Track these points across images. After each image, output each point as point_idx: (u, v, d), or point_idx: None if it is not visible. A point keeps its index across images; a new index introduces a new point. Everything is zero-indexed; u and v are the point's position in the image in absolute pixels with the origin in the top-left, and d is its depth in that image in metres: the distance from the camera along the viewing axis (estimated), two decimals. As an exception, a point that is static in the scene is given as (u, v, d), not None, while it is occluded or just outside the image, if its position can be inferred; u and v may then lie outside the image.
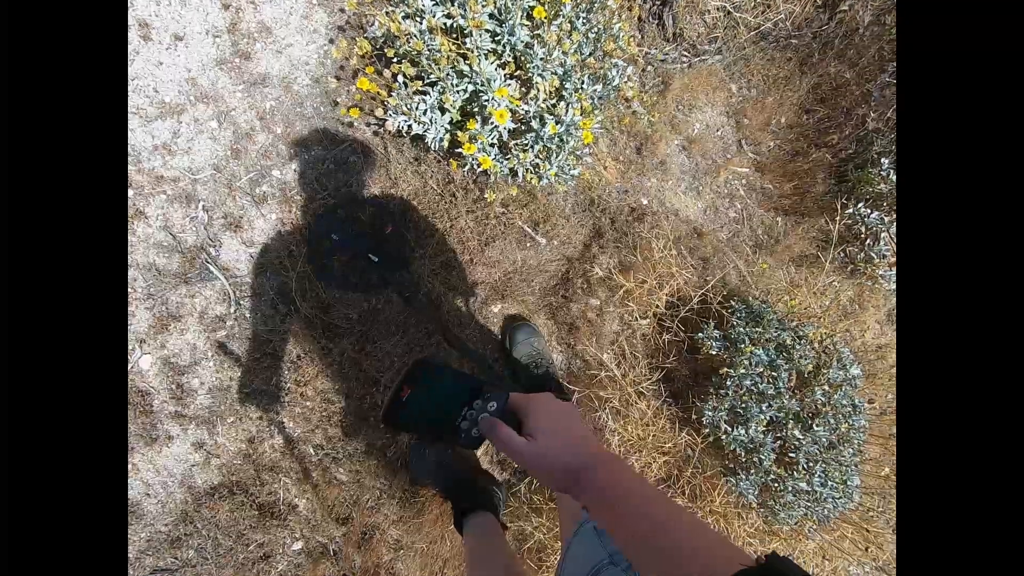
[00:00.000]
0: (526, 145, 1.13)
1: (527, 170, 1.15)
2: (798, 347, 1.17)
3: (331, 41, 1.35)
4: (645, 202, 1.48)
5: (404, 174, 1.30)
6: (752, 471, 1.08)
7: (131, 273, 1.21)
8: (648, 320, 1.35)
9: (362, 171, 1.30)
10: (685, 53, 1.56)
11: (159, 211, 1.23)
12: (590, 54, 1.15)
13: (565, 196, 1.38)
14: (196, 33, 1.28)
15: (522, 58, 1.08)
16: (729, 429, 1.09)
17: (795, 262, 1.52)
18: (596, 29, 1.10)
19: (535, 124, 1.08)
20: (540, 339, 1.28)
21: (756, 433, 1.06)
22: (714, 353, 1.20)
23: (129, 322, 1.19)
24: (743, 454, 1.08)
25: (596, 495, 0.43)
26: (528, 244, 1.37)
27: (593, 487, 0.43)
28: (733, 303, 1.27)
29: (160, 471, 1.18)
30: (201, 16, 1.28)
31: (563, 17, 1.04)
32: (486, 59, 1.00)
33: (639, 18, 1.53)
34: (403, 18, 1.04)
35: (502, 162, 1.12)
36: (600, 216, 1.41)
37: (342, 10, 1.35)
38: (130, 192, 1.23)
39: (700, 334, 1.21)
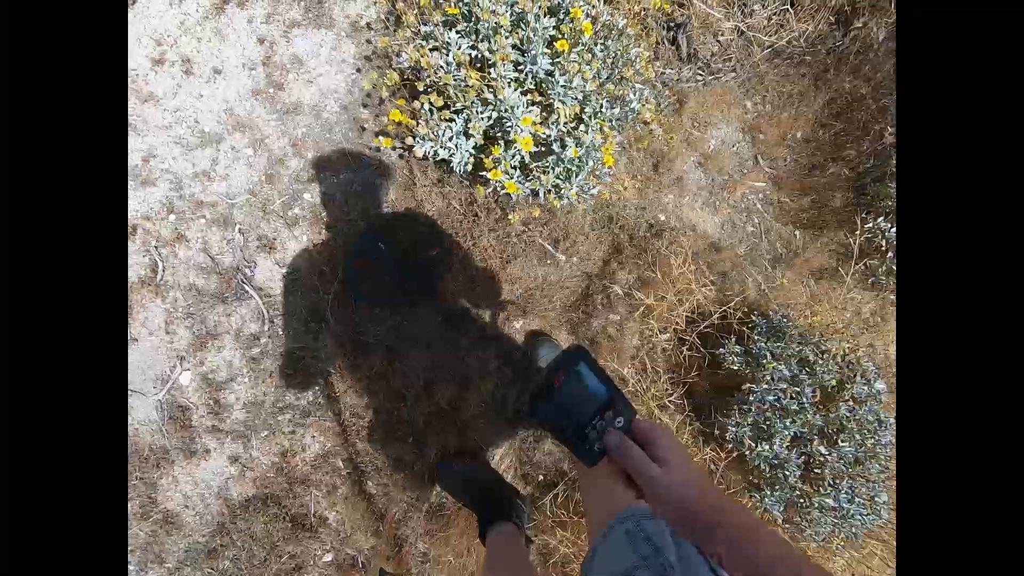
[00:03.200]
0: (547, 167, 1.17)
1: (548, 191, 1.18)
2: (821, 362, 1.17)
3: (358, 70, 1.41)
4: (663, 218, 1.51)
5: (429, 196, 1.35)
6: (777, 487, 1.08)
7: (172, 294, 1.28)
8: (668, 335, 1.37)
9: (389, 193, 1.36)
10: (699, 72, 1.60)
11: (199, 234, 1.30)
12: (607, 79, 1.19)
13: (584, 214, 1.41)
14: (233, 67, 1.36)
15: (543, 85, 1.12)
16: (753, 445, 1.09)
17: (815, 275, 1.52)
18: (614, 55, 1.14)
19: (556, 147, 1.12)
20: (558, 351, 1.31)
21: (780, 449, 1.07)
22: (736, 368, 1.21)
23: (171, 340, 1.26)
24: (767, 470, 1.09)
25: (731, 546, 0.42)
26: (549, 261, 1.40)
27: (727, 536, 0.42)
28: (753, 318, 1.28)
29: (198, 483, 1.23)
30: (238, 51, 1.36)
31: (582, 45, 1.08)
32: (510, 87, 1.04)
33: (656, 41, 1.57)
34: (430, 51, 1.09)
35: (523, 183, 1.16)
36: (619, 233, 1.44)
37: (368, 41, 1.42)
38: (172, 217, 1.30)
39: (721, 349, 1.22)
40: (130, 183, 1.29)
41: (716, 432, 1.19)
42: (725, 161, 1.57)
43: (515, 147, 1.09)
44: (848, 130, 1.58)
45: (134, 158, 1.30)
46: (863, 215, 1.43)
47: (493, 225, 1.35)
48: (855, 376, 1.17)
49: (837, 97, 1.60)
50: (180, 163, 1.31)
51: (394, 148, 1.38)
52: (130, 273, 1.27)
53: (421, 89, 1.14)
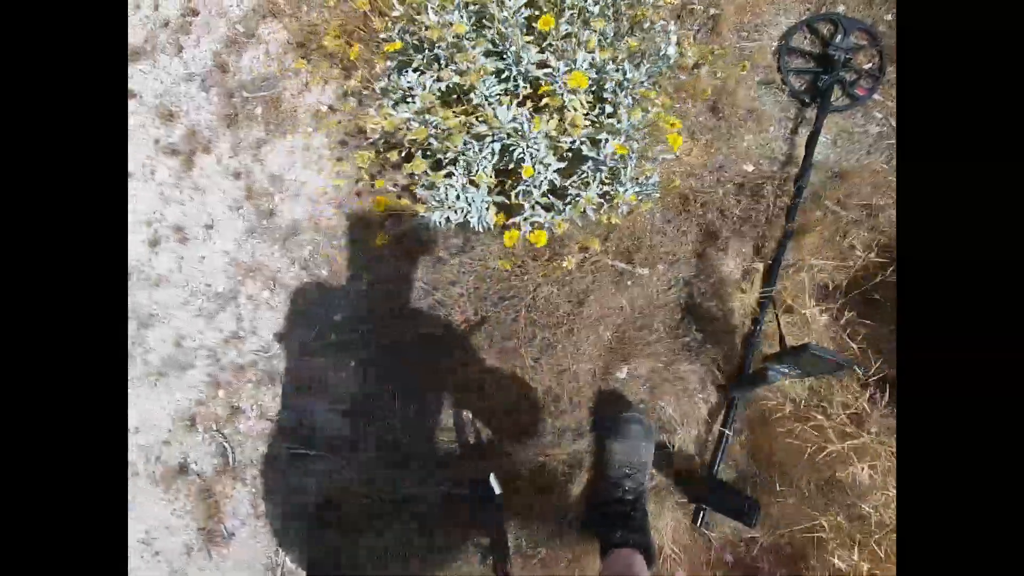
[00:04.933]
0: (585, 179, 0.88)
1: (597, 207, 0.89)
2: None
3: (339, 159, 1.24)
4: (750, 168, 1.13)
5: (461, 266, 1.12)
6: None
7: (250, 472, 1.17)
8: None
9: (419, 277, 1.15)
10: (723, -30, 1.21)
11: (250, 401, 1.19)
12: (619, 34, 0.88)
13: (650, 209, 1.09)
14: (221, 215, 1.26)
15: (541, 82, 0.84)
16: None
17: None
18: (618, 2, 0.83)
19: (586, 149, 0.83)
20: (649, 444, 0.94)
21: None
22: None
23: (264, 524, 1.14)
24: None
25: None
26: (629, 282, 1.10)
27: None
28: None
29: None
30: (220, 197, 1.26)
31: (570, 13, 0.79)
32: (501, 106, 0.78)
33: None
34: (393, 106, 0.87)
35: (562, 212, 0.88)
36: (703, 212, 1.10)
37: (338, 122, 1.25)
38: (221, 393, 1.20)
39: None
40: (170, 371, 1.22)
41: None
42: (805, 61, 1.16)
43: (539, 174, 0.82)
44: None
45: (166, 347, 1.23)
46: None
47: (546, 268, 1.08)
48: None
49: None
50: (208, 335, 1.22)
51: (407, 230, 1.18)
52: (204, 466, 1.19)
53: (402, 154, 0.92)
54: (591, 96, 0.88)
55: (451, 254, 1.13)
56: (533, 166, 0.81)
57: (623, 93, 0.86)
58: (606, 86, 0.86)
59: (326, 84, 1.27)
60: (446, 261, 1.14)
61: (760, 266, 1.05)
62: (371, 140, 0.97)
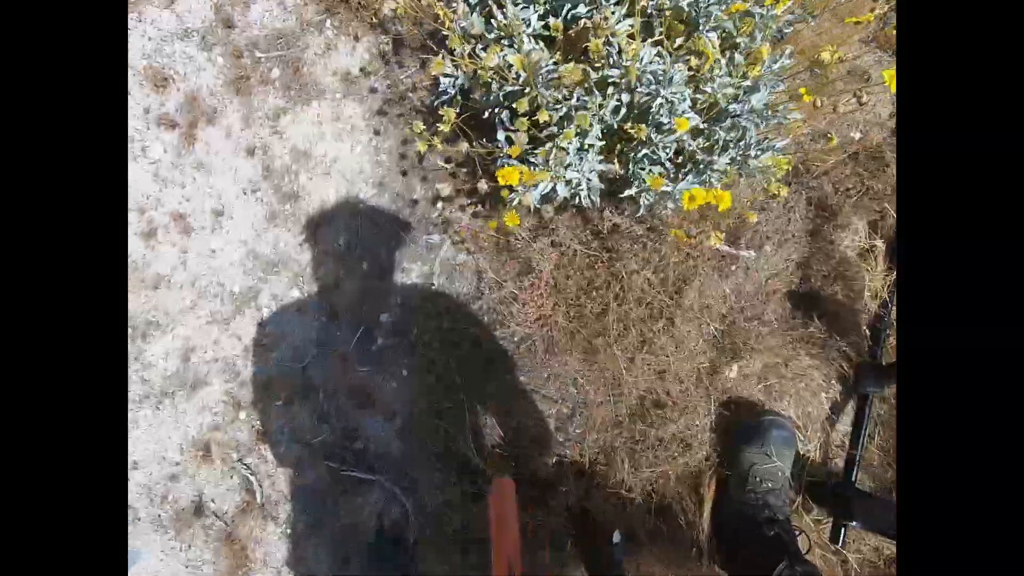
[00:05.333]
0: (716, 144, 0.72)
1: (733, 174, 0.74)
2: None
3: (376, 132, 1.05)
4: (857, 136, 1.01)
5: (538, 248, 0.95)
6: None
7: (283, 508, 0.97)
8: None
9: (484, 268, 0.97)
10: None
11: (281, 422, 0.99)
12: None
13: (757, 183, 0.95)
14: (234, 198, 1.04)
15: (672, 20, 0.68)
16: None
17: None
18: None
19: (732, 106, 0.67)
20: (791, 452, 0.82)
21: None
22: None
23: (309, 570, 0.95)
24: None
25: None
26: (733, 266, 0.95)
27: None
28: None
29: None
30: (231, 177, 1.04)
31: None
32: (640, 45, 0.61)
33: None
34: (483, 49, 0.69)
35: (696, 177, 0.73)
36: (814, 185, 0.96)
37: (373, 89, 1.05)
38: (242, 415, 0.99)
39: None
40: (177, 391, 1.00)
41: None
42: None
43: (671, 136, 0.66)
44: None
45: (172, 362, 1.00)
46: None
47: (643, 253, 0.93)
48: None
49: None
50: (224, 344, 1.01)
51: (463, 207, 1.00)
52: (225, 504, 0.98)
53: (503, 114, 0.74)
54: (720, 40, 0.72)
55: (525, 240, 0.95)
56: (662, 128, 0.65)
57: (760, 36, 0.71)
58: (741, 30, 0.71)
59: (355, 41, 1.07)
60: (517, 248, 0.96)
61: (882, 244, 0.93)
62: (444, 96, 0.78)
